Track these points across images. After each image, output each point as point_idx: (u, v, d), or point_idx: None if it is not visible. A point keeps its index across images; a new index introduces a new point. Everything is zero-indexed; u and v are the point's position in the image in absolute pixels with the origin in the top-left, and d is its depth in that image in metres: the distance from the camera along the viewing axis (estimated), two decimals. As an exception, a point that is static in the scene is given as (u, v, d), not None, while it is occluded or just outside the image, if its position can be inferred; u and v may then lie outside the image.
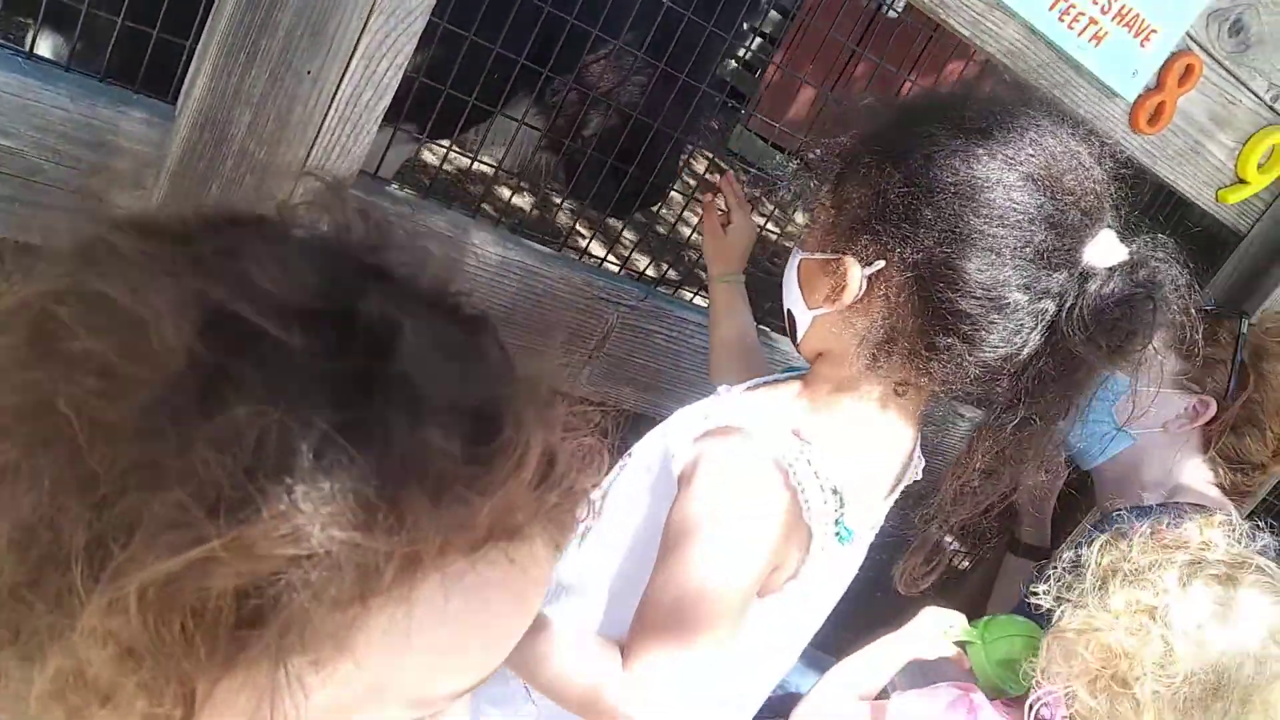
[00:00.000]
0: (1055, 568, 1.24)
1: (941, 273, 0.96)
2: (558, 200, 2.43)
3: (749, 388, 1.17)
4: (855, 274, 1.01)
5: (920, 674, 1.46)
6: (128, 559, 0.41)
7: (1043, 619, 1.27)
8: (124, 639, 0.41)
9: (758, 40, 4.40)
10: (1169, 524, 1.22)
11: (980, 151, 0.96)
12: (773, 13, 3.29)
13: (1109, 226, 1.00)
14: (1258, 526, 1.25)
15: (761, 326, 1.82)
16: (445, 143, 1.69)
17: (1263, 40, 1.58)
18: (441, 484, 0.45)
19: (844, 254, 1.02)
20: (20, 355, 0.45)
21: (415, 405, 0.45)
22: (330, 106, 1.13)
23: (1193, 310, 1.00)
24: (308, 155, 1.14)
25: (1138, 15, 1.45)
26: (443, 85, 1.35)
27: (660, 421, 1.19)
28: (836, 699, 1.34)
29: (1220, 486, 1.61)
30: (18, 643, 0.43)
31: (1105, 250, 0.99)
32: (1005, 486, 1.06)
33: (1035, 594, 1.23)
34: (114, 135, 1.10)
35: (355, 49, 1.10)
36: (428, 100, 1.35)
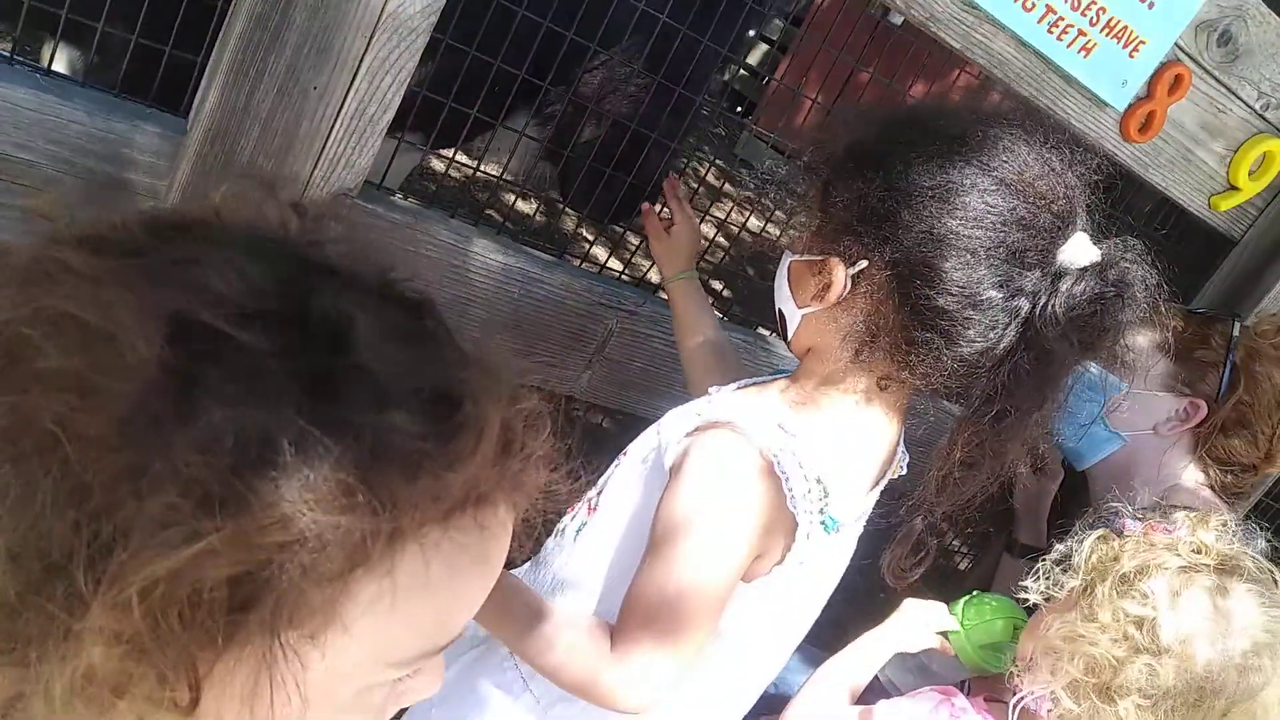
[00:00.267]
0: (1044, 560, 1.26)
1: (920, 271, 1.01)
2: (560, 206, 2.46)
3: (739, 387, 1.21)
4: (840, 273, 1.06)
5: (916, 668, 1.48)
6: (128, 560, 0.44)
7: (1031, 612, 1.29)
8: (128, 634, 0.45)
9: (764, 47, 4.44)
10: (1161, 524, 1.23)
11: (956, 158, 1.01)
12: (776, 20, 3.32)
13: (1081, 229, 1.04)
14: (1258, 526, 1.26)
15: (760, 329, 1.86)
16: (449, 152, 1.73)
17: (1251, 50, 1.61)
18: (412, 462, 0.49)
19: (830, 255, 1.08)
20: None
21: (378, 393, 0.49)
22: (336, 121, 1.16)
23: (1163, 308, 1.04)
24: (314, 168, 1.18)
25: (1126, 27, 1.48)
26: (445, 99, 1.39)
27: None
28: (826, 700, 1.36)
29: (1212, 488, 1.63)
30: (30, 649, 0.46)
31: (1078, 251, 1.03)
32: (986, 478, 1.10)
33: (1024, 589, 1.25)
34: (128, 148, 1.14)
35: (360, 66, 1.14)
36: (431, 112, 1.39)
